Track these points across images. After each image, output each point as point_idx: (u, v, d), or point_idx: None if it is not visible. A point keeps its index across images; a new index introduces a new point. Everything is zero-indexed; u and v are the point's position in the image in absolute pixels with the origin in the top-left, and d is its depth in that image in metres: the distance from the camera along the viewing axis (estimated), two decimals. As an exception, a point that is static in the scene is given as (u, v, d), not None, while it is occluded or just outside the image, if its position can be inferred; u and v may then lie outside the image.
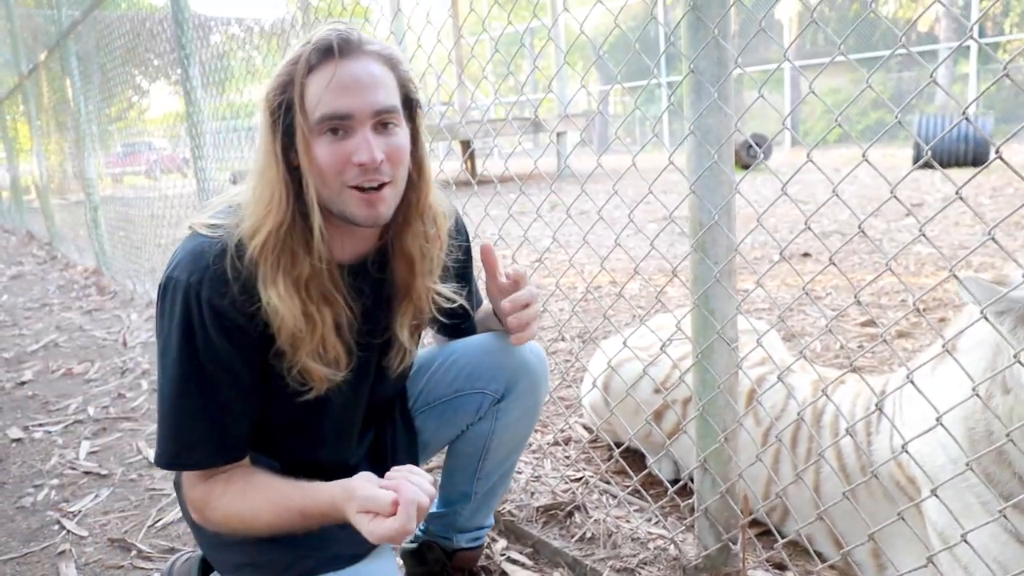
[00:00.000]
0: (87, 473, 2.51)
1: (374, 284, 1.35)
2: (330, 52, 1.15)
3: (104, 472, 2.50)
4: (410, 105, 1.27)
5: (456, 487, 1.68)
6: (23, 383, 3.56)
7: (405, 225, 1.31)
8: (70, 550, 2.02)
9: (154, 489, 2.37)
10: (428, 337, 1.79)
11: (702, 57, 1.40)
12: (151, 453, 2.62)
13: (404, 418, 1.60)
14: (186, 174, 5.48)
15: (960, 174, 8.62)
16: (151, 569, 1.92)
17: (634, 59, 1.55)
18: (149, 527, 2.13)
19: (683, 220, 1.57)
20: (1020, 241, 5.03)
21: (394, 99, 1.21)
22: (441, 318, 1.49)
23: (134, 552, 2.00)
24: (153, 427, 2.87)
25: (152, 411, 3.06)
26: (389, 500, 1.09)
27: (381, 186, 1.20)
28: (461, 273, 1.52)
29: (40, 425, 2.97)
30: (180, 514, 2.16)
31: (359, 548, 1.29)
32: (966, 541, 1.16)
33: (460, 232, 1.52)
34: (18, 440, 2.83)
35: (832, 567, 1.68)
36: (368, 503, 1.10)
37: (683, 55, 1.44)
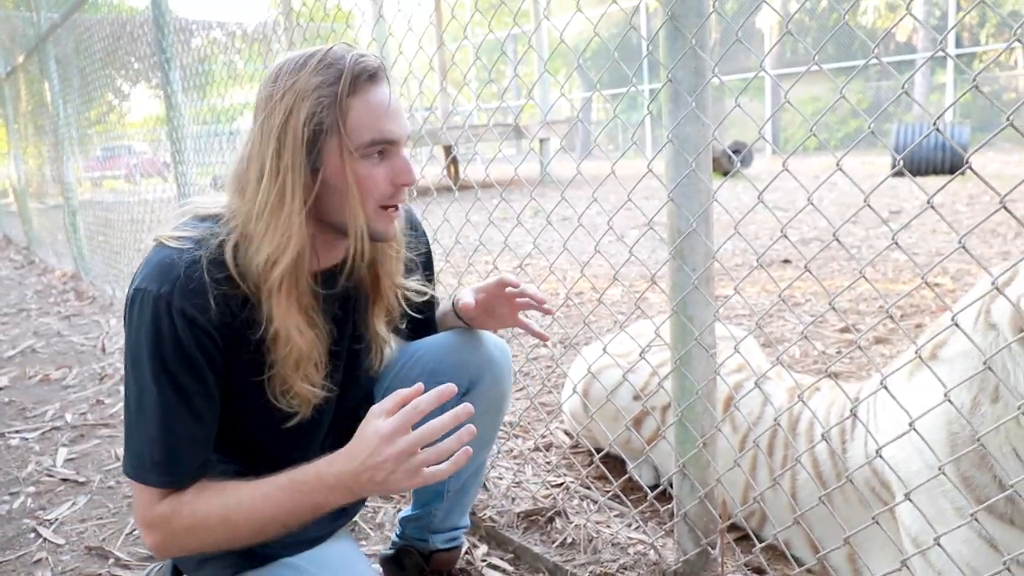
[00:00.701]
0: (64, 480, 2.48)
1: (342, 291, 1.36)
2: (375, 77, 1.18)
3: (82, 479, 2.48)
4: None
5: (428, 487, 1.68)
6: (-1, 389, 3.52)
7: None
8: (47, 558, 2.00)
9: (132, 496, 2.34)
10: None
11: (680, 66, 1.42)
12: (129, 460, 2.60)
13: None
14: (167, 178, 5.44)
15: (938, 182, 8.73)
16: (128, 577, 1.91)
17: (616, 66, 1.56)
18: (127, 535, 2.11)
19: (663, 227, 1.58)
20: (995, 248, 5.11)
21: None
22: (411, 312, 1.50)
23: (112, 560, 1.98)
24: (131, 434, 2.84)
25: (130, 417, 3.03)
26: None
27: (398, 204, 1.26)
28: (425, 264, 1.57)
29: (16, 432, 2.93)
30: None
31: (317, 532, 1.31)
32: (940, 546, 1.18)
33: (414, 227, 1.54)
34: (-7, 447, 2.79)
35: (809, 571, 1.70)
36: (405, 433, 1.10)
37: (661, 64, 1.45)
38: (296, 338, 1.20)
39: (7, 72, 8.18)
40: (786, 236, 1.33)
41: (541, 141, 11.20)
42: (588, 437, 2.25)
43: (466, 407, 1.12)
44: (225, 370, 1.22)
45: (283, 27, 3.20)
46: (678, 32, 1.41)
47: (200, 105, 4.00)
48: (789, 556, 1.69)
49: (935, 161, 9.18)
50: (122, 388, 3.36)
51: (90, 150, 6.84)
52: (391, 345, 1.50)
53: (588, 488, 2.10)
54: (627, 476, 1.94)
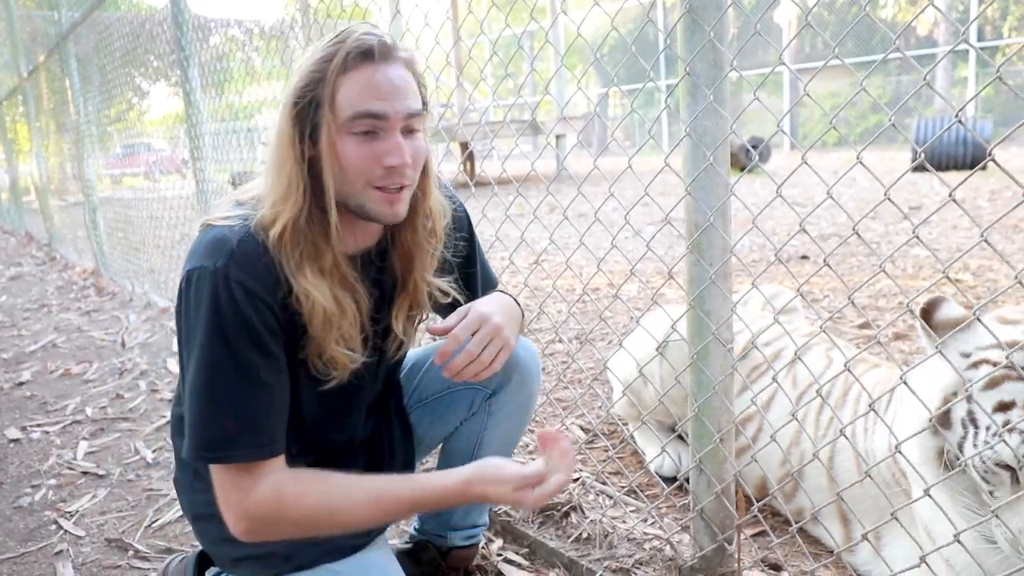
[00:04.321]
0: (85, 473, 2.51)
1: (376, 275, 1.37)
2: (369, 55, 1.18)
3: (102, 472, 2.51)
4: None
5: None
6: (21, 383, 3.56)
7: (407, 221, 1.33)
8: (67, 550, 2.02)
9: (151, 489, 2.37)
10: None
11: (698, 60, 1.41)
12: (149, 454, 2.63)
13: (399, 414, 1.62)
14: (185, 175, 5.49)
15: (959, 177, 8.62)
16: (148, 569, 1.92)
17: (633, 61, 1.56)
18: (146, 527, 2.14)
19: (680, 222, 1.57)
20: (1017, 244, 5.04)
21: (419, 104, 1.24)
22: (439, 313, 1.51)
23: (131, 552, 2.00)
24: (151, 427, 2.88)
25: (149, 411, 3.06)
26: (542, 470, 1.22)
27: (401, 187, 1.23)
28: (464, 263, 1.53)
29: (38, 425, 2.97)
30: (178, 514, 2.17)
31: (359, 539, 1.33)
32: (958, 540, 1.18)
33: (460, 228, 1.52)
34: (16, 440, 2.83)
35: (826, 567, 1.69)
36: (527, 480, 1.21)
37: (679, 58, 1.45)
38: (314, 294, 1.20)
39: (29, 71, 8.26)
40: (805, 231, 1.32)
41: (558, 137, 11.18)
42: (633, 415, 2.22)
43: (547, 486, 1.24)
44: (285, 340, 1.23)
45: (300, 23, 3.21)
46: (696, 25, 1.40)
47: (218, 102, 4.03)
48: (806, 552, 1.68)
49: (956, 156, 9.06)
50: (141, 383, 3.40)
51: (110, 147, 6.90)
52: (408, 343, 1.50)
53: (604, 483, 2.10)
54: (643, 471, 1.94)
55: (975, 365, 1.27)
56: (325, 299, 1.21)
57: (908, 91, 15.89)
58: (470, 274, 1.56)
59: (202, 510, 1.37)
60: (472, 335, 1.31)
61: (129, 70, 5.57)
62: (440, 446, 1.71)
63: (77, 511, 2.24)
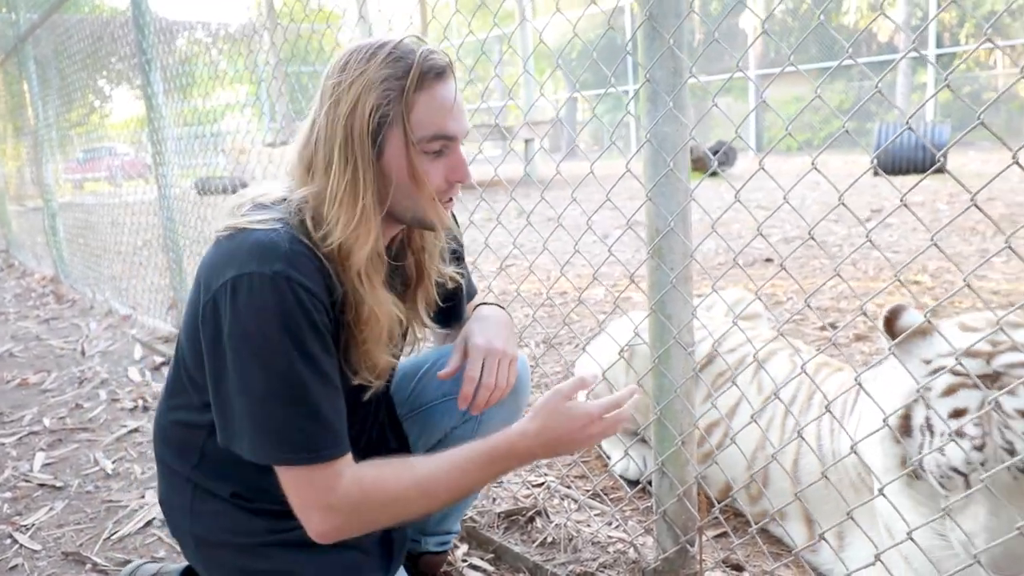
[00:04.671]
0: (41, 485, 2.45)
1: (391, 272, 1.38)
2: (441, 75, 1.21)
3: (59, 484, 2.45)
4: None
5: None
6: (-23, 394, 3.47)
7: None
8: (23, 564, 1.98)
9: (111, 501, 2.32)
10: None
11: (658, 67, 1.42)
12: (108, 464, 2.58)
13: (393, 423, 1.60)
14: (149, 180, 5.41)
15: (916, 180, 8.80)
16: (107, 582, 1.89)
17: (597, 66, 1.57)
18: (105, 540, 2.09)
19: (644, 227, 1.58)
20: (975, 246, 5.16)
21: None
22: (441, 303, 1.52)
23: (89, 566, 1.96)
24: (110, 437, 2.82)
25: (110, 421, 3.01)
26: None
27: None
28: (456, 256, 1.58)
29: (-7, 437, 2.90)
30: (139, 526, 2.14)
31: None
32: (911, 538, 1.20)
33: (451, 228, 1.56)
34: (-30, 452, 2.76)
35: (787, 567, 1.71)
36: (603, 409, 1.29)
37: (639, 64, 1.46)
38: (383, 315, 1.22)
39: (-15, 73, 8.08)
40: (762, 235, 1.33)
41: (526, 141, 11.20)
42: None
43: (632, 389, 1.34)
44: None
45: (266, 28, 3.18)
46: (656, 32, 1.42)
47: (183, 106, 3.98)
48: (766, 552, 1.70)
49: (916, 160, 9.25)
50: (101, 392, 3.34)
51: (70, 152, 6.78)
52: (427, 336, 1.52)
53: (568, 487, 2.10)
54: (607, 474, 1.95)
55: (934, 372, 1.30)
56: (389, 313, 1.24)
57: (867, 96, 16.21)
58: (459, 274, 1.58)
59: (215, 537, 1.33)
60: (482, 366, 1.39)
61: (91, 73, 5.47)
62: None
63: (33, 524, 2.19)
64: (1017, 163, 1.02)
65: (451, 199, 1.30)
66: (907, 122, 1.16)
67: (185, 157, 3.99)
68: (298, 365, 1.13)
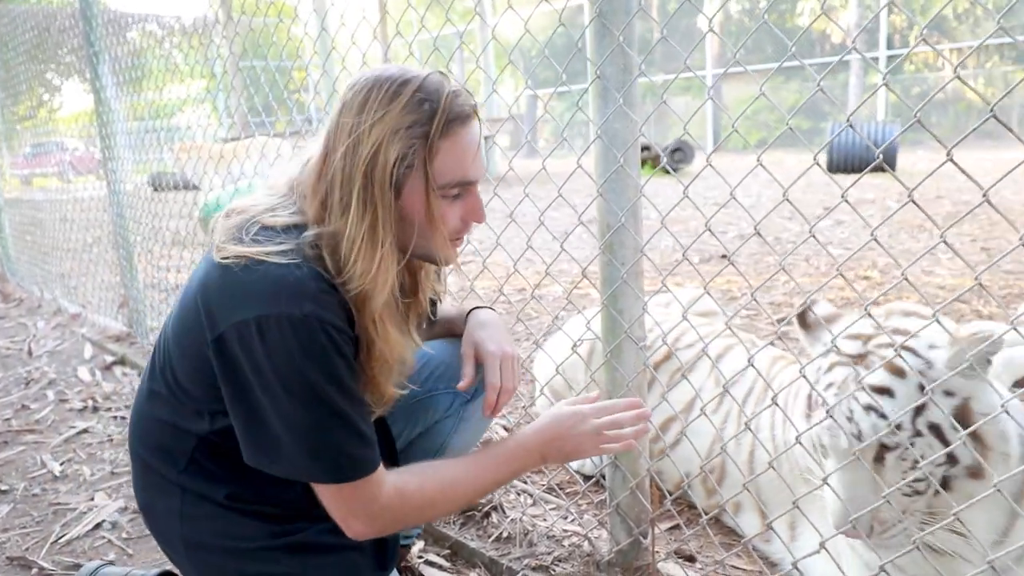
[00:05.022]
0: (-14, 489, 2.39)
1: None
2: (467, 119, 1.21)
3: (5, 487, 2.39)
4: None
5: None
6: (-83, 396, 3.36)
7: None
8: (-35, 570, 1.92)
9: (59, 504, 2.27)
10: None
11: (608, 63, 1.44)
12: (56, 467, 2.52)
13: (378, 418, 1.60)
14: (101, 176, 5.29)
15: (867, 178, 9.02)
16: (54, 586, 1.85)
17: (563, 64, 1.58)
18: (52, 543, 2.05)
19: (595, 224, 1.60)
20: (922, 243, 5.30)
21: None
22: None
23: (35, 570, 1.92)
24: (58, 439, 2.76)
25: (57, 422, 2.94)
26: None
27: None
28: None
29: (-65, 440, 2.81)
30: (88, 528, 2.10)
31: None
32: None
33: None
34: (-90, 456, 2.67)
35: (738, 555, 1.74)
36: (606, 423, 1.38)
37: (590, 61, 1.47)
38: (393, 356, 1.25)
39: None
40: (710, 230, 1.36)
41: (486, 138, 11.18)
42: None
43: (643, 409, 1.44)
44: None
45: (223, 21, 3.13)
46: (606, 30, 1.43)
47: (136, 100, 3.89)
48: (716, 543, 1.73)
49: (868, 159, 9.49)
50: (48, 392, 3.26)
51: (17, 147, 6.59)
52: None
53: (524, 482, 2.12)
54: (563, 469, 1.96)
55: (825, 354, 1.39)
56: (400, 353, 1.26)
57: (824, 96, 16.52)
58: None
59: (210, 541, 1.31)
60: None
61: (39, 66, 5.32)
62: None
63: (-24, 529, 2.13)
64: (951, 160, 1.05)
65: (462, 238, 1.31)
66: (847, 120, 1.19)
67: (138, 152, 3.91)
68: (336, 396, 1.16)
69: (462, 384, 1.45)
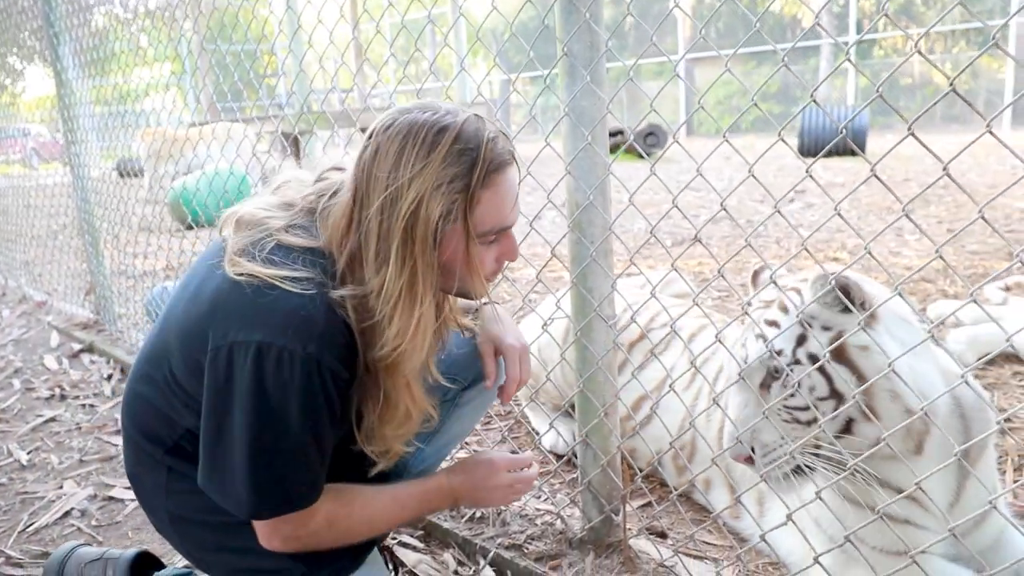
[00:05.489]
0: (-50, 479, 2.35)
1: None
2: (508, 166, 1.19)
3: (-30, 477, 2.35)
4: None
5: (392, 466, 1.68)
6: None
7: None
8: (-71, 560, 1.89)
9: (26, 492, 2.24)
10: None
11: (575, 40, 1.44)
12: (23, 455, 2.48)
13: None
14: (68, 162, 5.19)
15: (838, 161, 9.12)
16: (21, 575, 1.82)
17: (536, 49, 1.56)
18: (20, 532, 2.02)
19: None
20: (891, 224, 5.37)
21: None
22: None
23: (2, 559, 1.89)
24: (25, 427, 2.71)
25: (24, 411, 2.89)
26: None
27: None
28: None
29: None
30: (56, 516, 2.08)
31: (360, 554, 1.39)
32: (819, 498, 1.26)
33: None
34: None
35: (708, 531, 1.77)
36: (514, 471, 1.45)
37: (557, 38, 1.47)
38: (417, 414, 1.27)
39: None
40: (678, 207, 1.37)
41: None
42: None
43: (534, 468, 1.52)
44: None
45: (187, 1, 3.06)
46: (572, 6, 1.42)
47: (101, 83, 3.80)
48: (687, 519, 1.75)
49: (839, 142, 9.62)
50: (15, 381, 3.21)
51: (-24, 133, 6.43)
52: None
53: (499, 463, 2.12)
54: (536, 449, 1.97)
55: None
56: (422, 410, 1.28)
57: (794, 81, 16.63)
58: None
59: (195, 516, 1.31)
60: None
61: (-2, 49, 5.20)
62: None
63: (-59, 519, 2.09)
64: (912, 134, 1.07)
65: (497, 276, 1.32)
66: (812, 97, 1.20)
67: (104, 138, 3.83)
68: (307, 438, 1.16)
69: (488, 383, 1.48)
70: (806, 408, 1.32)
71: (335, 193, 1.22)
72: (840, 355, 1.30)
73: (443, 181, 1.11)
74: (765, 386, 1.37)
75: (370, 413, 1.24)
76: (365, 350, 1.19)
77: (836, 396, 1.31)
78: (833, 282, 1.27)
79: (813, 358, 1.32)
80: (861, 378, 1.29)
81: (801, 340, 1.35)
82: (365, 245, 1.14)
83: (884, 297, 1.33)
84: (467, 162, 1.13)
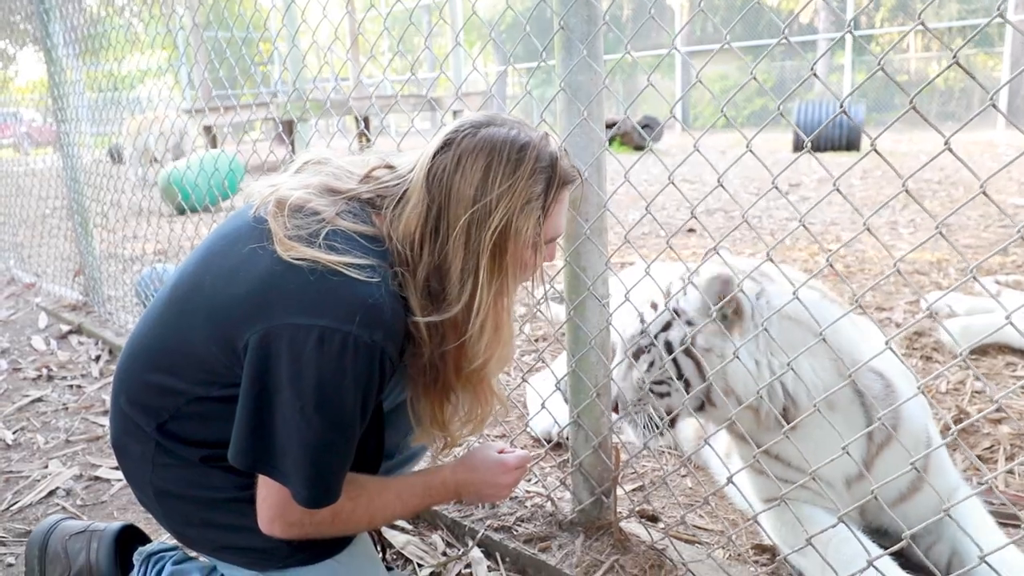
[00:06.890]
0: (-65, 457, 2.32)
1: None
2: (573, 182, 1.26)
3: (-46, 456, 2.33)
4: None
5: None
6: None
7: None
8: (-89, 537, 1.87)
9: (11, 472, 2.22)
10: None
11: (572, 14, 1.41)
12: (8, 435, 2.46)
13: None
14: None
15: (834, 157, 9.12)
16: (5, 554, 1.80)
17: (531, 40, 1.55)
18: (4, 511, 2.00)
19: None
20: (884, 219, 5.38)
21: None
22: None
23: (-14, 537, 1.87)
24: (11, 407, 2.69)
25: (11, 391, 2.86)
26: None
27: None
28: None
29: None
30: (40, 495, 2.06)
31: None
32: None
33: None
34: None
35: (700, 516, 1.76)
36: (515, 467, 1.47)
37: (554, 12, 1.44)
38: (497, 405, 1.36)
39: None
40: (673, 183, 1.35)
41: (455, 113, 11.08)
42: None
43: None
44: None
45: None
46: (570, -21, 1.40)
47: (95, 69, 3.75)
48: (680, 503, 1.74)
49: (832, 137, 9.67)
50: (2, 361, 3.17)
51: (-31, 116, 6.37)
52: None
53: (490, 446, 2.10)
54: (526, 432, 1.96)
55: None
56: (500, 402, 1.36)
57: (791, 75, 16.64)
58: None
59: (179, 490, 1.28)
60: None
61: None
62: None
63: (-76, 497, 2.07)
64: (913, 108, 1.05)
65: None
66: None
67: (98, 124, 3.78)
68: (356, 425, 1.17)
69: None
70: (661, 383, 1.55)
71: (401, 198, 1.21)
72: (688, 351, 1.49)
73: (532, 198, 1.17)
74: (636, 356, 1.59)
75: (438, 411, 1.30)
76: (428, 347, 1.21)
77: (685, 381, 1.52)
78: (711, 286, 1.44)
79: (669, 346, 1.53)
80: (703, 374, 1.47)
81: (666, 327, 1.54)
82: (451, 257, 1.17)
83: (778, 304, 1.43)
84: (545, 179, 1.19)
